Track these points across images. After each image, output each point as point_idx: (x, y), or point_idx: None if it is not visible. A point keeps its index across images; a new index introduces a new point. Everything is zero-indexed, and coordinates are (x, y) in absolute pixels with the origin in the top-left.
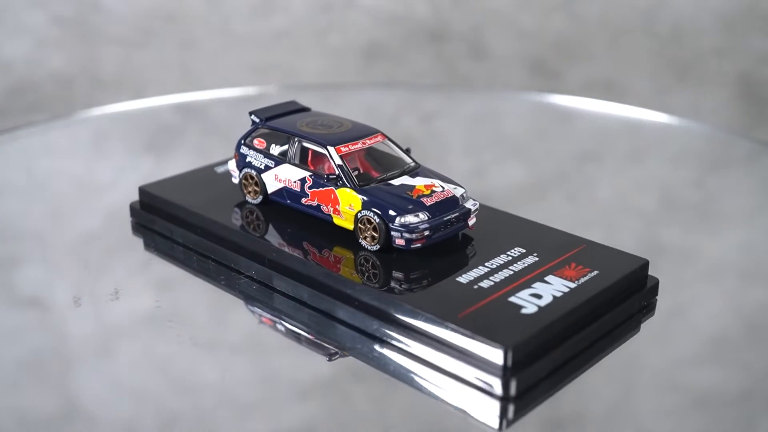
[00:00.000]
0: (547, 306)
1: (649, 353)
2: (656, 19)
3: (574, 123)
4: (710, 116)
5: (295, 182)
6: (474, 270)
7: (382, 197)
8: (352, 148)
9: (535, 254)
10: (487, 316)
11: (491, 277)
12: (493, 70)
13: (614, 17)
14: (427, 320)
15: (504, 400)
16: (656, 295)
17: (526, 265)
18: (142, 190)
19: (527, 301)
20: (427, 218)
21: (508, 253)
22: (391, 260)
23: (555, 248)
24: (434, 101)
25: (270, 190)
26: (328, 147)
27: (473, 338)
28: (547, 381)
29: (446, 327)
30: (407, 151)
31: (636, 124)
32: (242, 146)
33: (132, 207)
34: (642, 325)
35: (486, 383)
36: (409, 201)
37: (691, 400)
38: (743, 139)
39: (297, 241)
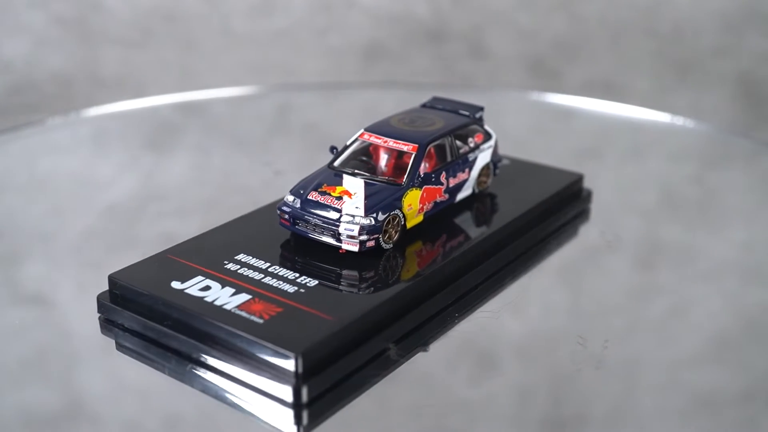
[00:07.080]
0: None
1: (649, 353)
2: (656, 19)
3: (574, 122)
4: (710, 116)
5: None
6: (272, 265)
7: (308, 178)
8: (374, 140)
9: (306, 289)
10: (168, 266)
11: (258, 274)
12: (493, 69)
13: (614, 17)
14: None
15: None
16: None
17: (287, 289)
18: None
19: (195, 286)
20: (296, 206)
21: (322, 275)
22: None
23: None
24: None
25: None
26: (363, 129)
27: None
28: None
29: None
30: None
31: (636, 124)
32: None
33: None
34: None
35: None
36: (307, 190)
37: (693, 400)
38: (743, 139)
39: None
